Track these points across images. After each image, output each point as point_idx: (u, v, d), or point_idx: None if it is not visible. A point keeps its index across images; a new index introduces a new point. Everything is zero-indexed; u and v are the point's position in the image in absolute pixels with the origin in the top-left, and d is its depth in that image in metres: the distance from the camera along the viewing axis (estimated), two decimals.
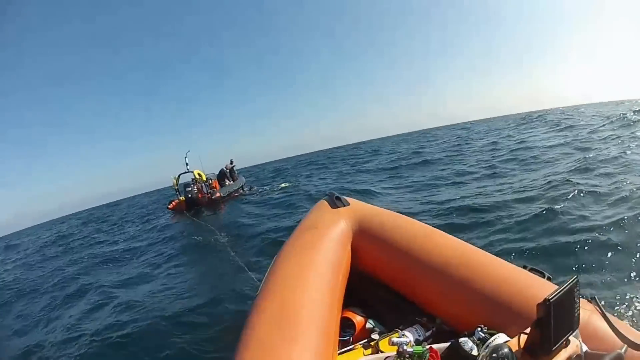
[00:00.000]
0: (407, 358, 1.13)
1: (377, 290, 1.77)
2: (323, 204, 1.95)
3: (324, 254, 1.60)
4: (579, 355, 0.78)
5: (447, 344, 1.14)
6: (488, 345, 0.75)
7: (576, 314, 0.75)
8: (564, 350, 0.75)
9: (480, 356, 0.74)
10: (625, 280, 2.43)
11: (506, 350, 0.72)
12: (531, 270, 1.50)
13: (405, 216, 1.90)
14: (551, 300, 0.68)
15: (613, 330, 1.10)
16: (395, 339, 1.28)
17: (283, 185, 11.61)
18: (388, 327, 1.55)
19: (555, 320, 0.69)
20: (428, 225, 1.82)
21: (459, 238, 1.71)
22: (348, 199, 1.96)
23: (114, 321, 3.47)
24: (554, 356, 0.74)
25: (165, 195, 19.90)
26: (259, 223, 6.56)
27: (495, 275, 1.45)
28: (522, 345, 0.77)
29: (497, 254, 1.63)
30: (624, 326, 1.20)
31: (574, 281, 0.74)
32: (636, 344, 0.98)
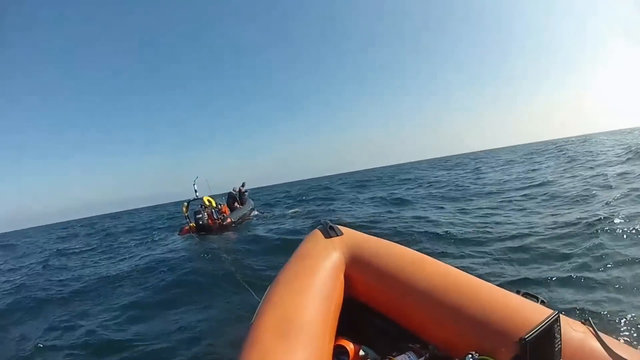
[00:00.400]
0: None
1: (370, 318, 1.78)
2: (316, 233, 1.99)
3: (317, 283, 1.64)
4: None
5: None
6: None
7: (557, 348, 0.77)
8: None
9: None
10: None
11: None
12: (525, 295, 1.52)
13: (397, 244, 1.93)
14: (527, 339, 0.72)
15: (607, 351, 1.10)
16: None
17: (293, 210, 11.65)
18: (381, 354, 1.56)
19: (533, 356, 0.70)
20: (420, 253, 1.85)
21: (451, 264, 1.75)
22: (342, 227, 2.00)
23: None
24: None
25: (169, 212, 19.89)
26: (265, 243, 6.61)
27: (486, 301, 1.47)
28: None
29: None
30: (619, 346, 1.20)
31: (553, 317, 0.76)
32: None
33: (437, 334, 1.53)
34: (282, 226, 8.72)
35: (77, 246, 13.38)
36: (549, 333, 0.74)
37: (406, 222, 6.90)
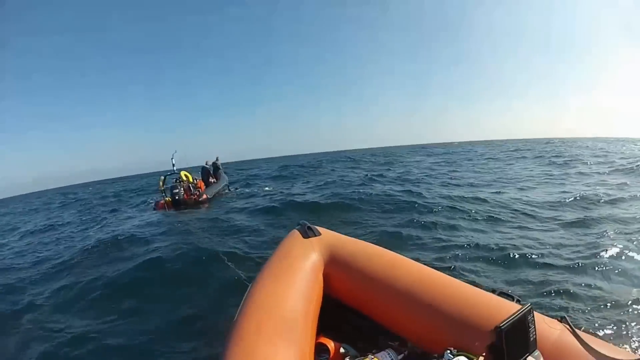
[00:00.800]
0: None
1: (349, 316, 1.83)
2: (295, 233, 2.03)
3: (297, 283, 1.67)
4: None
5: None
6: None
7: (532, 338, 0.81)
8: None
9: None
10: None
11: None
12: (500, 294, 1.58)
13: (374, 245, 1.99)
14: (502, 327, 0.76)
15: (584, 347, 1.15)
16: None
17: (267, 188, 11.64)
18: (361, 351, 1.60)
19: (509, 344, 0.75)
20: (396, 253, 1.90)
21: (428, 264, 1.82)
22: (319, 228, 2.04)
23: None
24: None
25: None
26: (242, 222, 6.53)
27: (462, 299, 1.53)
28: None
29: None
30: (597, 342, 1.25)
31: (527, 308, 0.81)
32: (611, 357, 1.02)
33: (414, 331, 1.58)
34: (256, 203, 8.73)
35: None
36: (523, 323, 0.80)
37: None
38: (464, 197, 6.96)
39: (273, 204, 7.92)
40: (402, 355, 1.53)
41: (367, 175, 12.51)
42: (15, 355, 2.85)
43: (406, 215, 5.76)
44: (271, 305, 1.52)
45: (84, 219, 10.85)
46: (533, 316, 0.82)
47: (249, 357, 1.26)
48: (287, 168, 20.70)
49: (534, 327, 0.83)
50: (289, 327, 1.43)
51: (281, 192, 10.39)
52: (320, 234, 2.00)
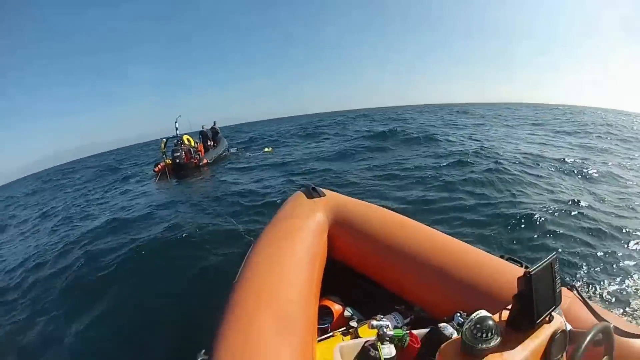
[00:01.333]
0: (387, 341, 1.16)
1: (354, 279, 1.81)
2: (299, 195, 1.97)
3: (301, 243, 1.62)
4: (563, 332, 0.77)
5: (427, 329, 1.17)
6: (472, 319, 0.74)
7: (557, 290, 0.77)
8: (547, 325, 0.76)
9: (465, 328, 0.73)
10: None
11: (490, 322, 0.71)
12: (508, 259, 1.55)
13: (380, 207, 1.93)
14: (532, 273, 0.70)
15: (594, 316, 1.16)
16: (375, 322, 1.29)
17: (266, 149, 11.51)
18: (366, 315, 1.58)
19: (537, 293, 0.71)
20: (403, 216, 1.84)
21: (434, 228, 1.75)
22: (324, 190, 1.98)
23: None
24: (538, 330, 0.74)
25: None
26: (243, 185, 6.46)
27: (472, 263, 1.49)
28: (504, 319, 0.78)
29: None
30: (604, 312, 1.25)
31: (553, 257, 0.75)
32: (618, 327, 1.00)
33: (422, 296, 1.55)
34: (256, 165, 8.73)
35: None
36: (550, 272, 0.75)
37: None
38: None
39: (274, 165, 7.88)
40: (408, 319, 1.51)
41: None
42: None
43: None
44: (273, 265, 1.48)
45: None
46: (559, 266, 0.78)
47: (251, 317, 1.24)
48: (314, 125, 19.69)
49: (559, 278, 0.78)
50: (291, 287, 1.39)
51: (281, 153, 10.33)
52: (325, 195, 1.93)
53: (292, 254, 1.55)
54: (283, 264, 1.49)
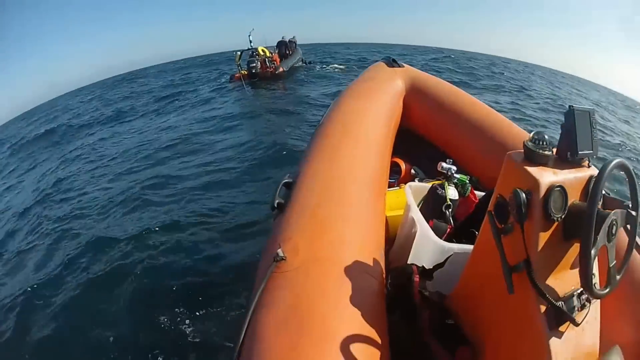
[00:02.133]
0: (451, 184, 1.35)
1: (422, 145, 2.03)
2: (380, 64, 2.13)
3: (379, 102, 1.79)
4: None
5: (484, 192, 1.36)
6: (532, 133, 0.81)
7: (594, 140, 0.82)
8: (587, 168, 0.83)
9: (526, 140, 0.80)
10: None
11: (546, 135, 0.80)
12: None
13: (452, 85, 2.07)
14: (574, 107, 0.79)
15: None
16: (445, 165, 1.42)
17: (338, 66, 11.40)
18: (429, 176, 1.81)
19: (578, 129, 0.78)
20: (472, 96, 1.98)
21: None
22: (403, 63, 2.12)
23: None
24: (580, 168, 0.82)
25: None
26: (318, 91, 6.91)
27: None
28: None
29: None
30: None
31: (590, 109, 0.83)
32: None
33: (482, 169, 1.72)
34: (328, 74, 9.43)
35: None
36: (589, 119, 0.81)
37: None
38: None
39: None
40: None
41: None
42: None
43: None
44: (352, 119, 1.56)
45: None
46: (595, 119, 0.82)
47: (337, 147, 1.36)
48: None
49: (597, 131, 0.83)
50: (367, 141, 1.47)
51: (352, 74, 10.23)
52: (404, 66, 2.10)
53: (370, 110, 1.68)
54: (361, 119, 1.59)
